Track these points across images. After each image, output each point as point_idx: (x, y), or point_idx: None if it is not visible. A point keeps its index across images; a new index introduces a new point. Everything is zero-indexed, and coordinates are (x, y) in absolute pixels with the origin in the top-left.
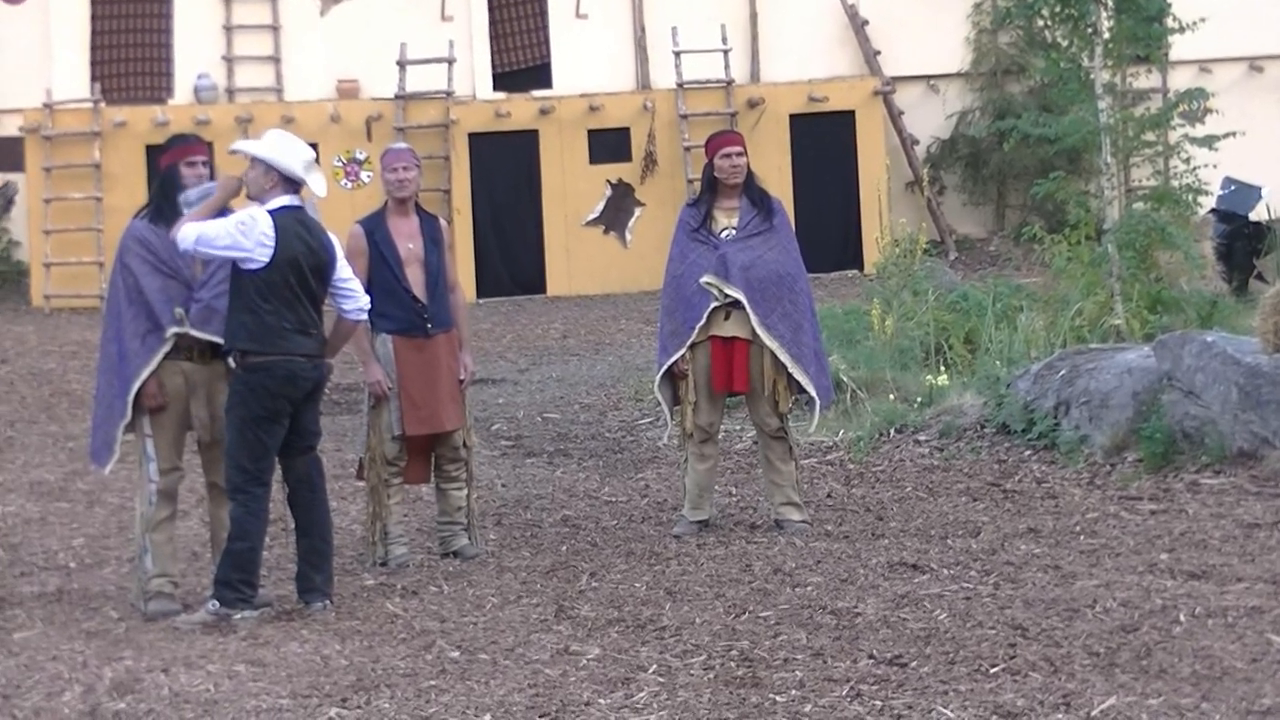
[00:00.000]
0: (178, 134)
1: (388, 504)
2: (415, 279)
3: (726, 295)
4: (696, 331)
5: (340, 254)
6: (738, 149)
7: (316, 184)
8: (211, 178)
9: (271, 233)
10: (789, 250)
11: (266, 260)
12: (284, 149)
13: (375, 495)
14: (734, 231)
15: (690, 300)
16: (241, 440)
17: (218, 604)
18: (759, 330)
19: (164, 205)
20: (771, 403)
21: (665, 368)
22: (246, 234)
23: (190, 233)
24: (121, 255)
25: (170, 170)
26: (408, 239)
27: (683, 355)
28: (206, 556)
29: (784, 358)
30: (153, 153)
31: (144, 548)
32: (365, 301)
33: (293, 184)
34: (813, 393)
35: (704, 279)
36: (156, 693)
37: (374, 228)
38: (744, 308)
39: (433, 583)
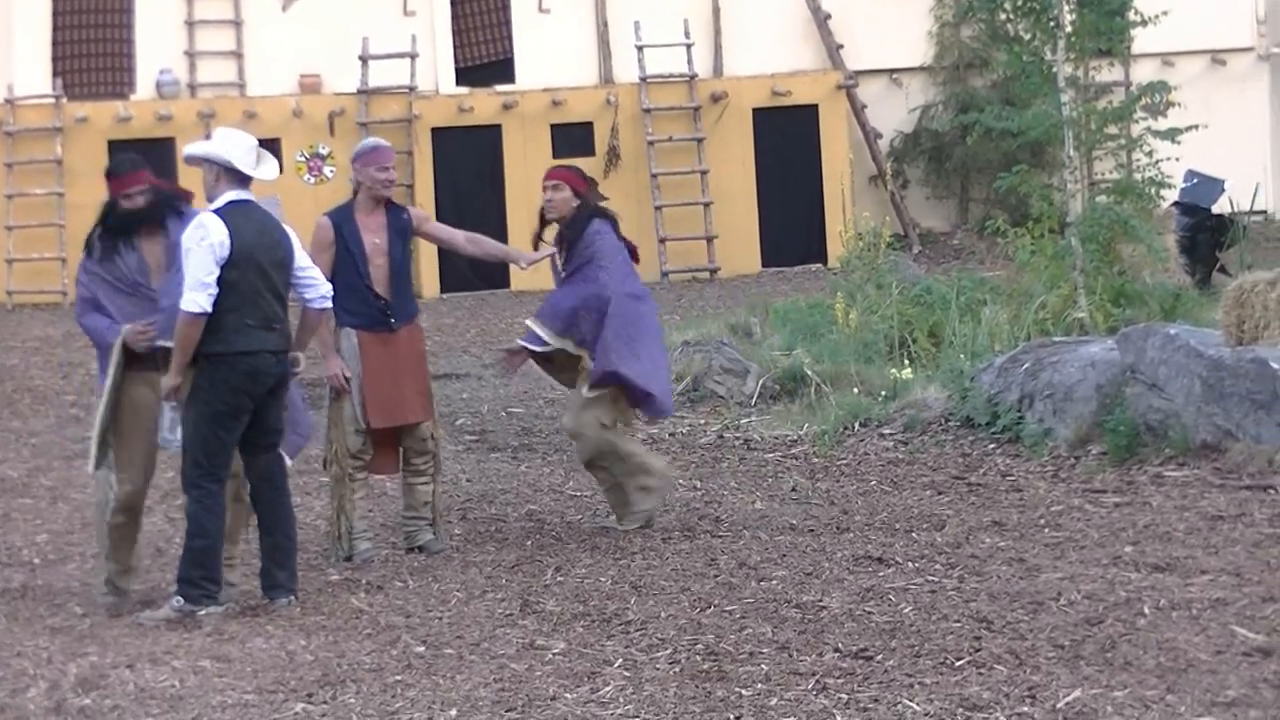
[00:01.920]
0: (118, 158)
1: (352, 499)
2: (379, 275)
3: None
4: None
5: (298, 245)
6: (553, 182)
7: (266, 171)
8: (155, 201)
9: (225, 233)
10: (596, 276)
11: (224, 259)
12: (224, 143)
13: (338, 489)
14: (565, 271)
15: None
16: (198, 435)
17: (182, 600)
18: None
19: (105, 237)
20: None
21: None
22: (213, 246)
23: (192, 296)
24: (82, 290)
25: (111, 203)
26: (374, 234)
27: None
28: (171, 552)
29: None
30: (115, 148)
31: (105, 544)
32: (328, 289)
33: (240, 178)
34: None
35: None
36: (122, 689)
37: (342, 221)
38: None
39: (398, 578)
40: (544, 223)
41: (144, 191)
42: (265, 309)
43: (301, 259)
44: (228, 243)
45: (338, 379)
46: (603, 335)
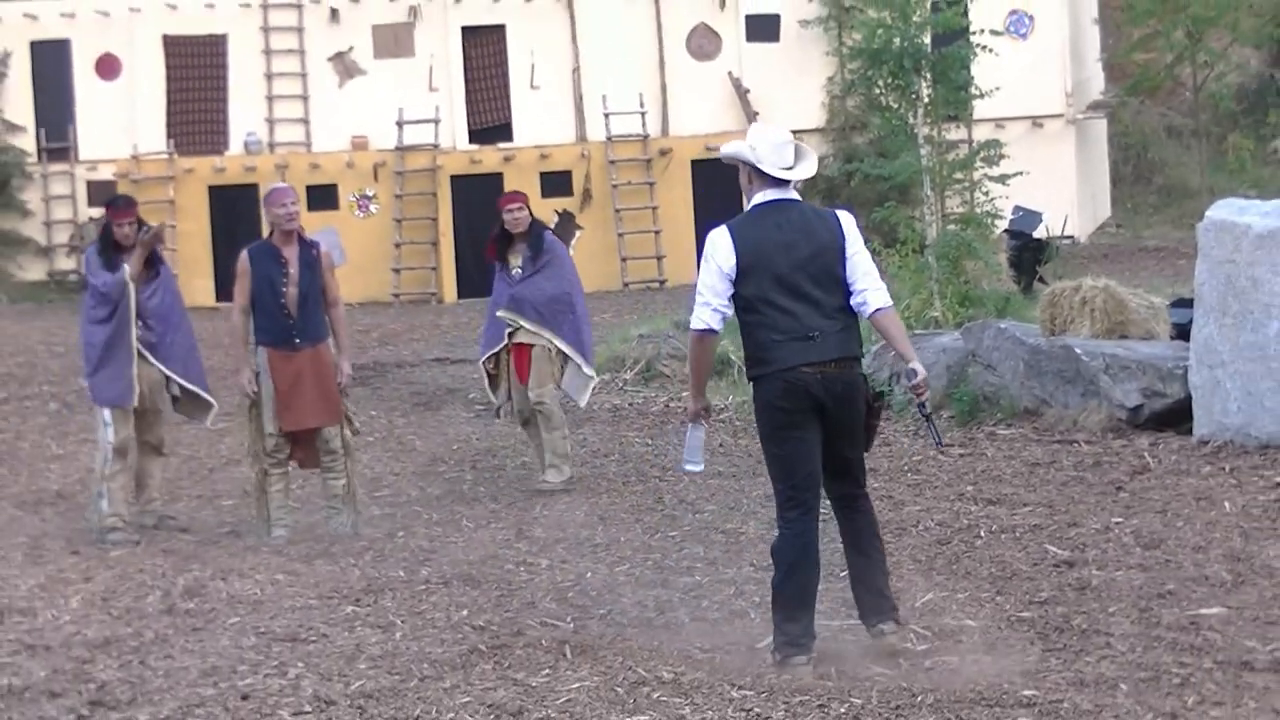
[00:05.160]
0: (116, 196)
1: (268, 491)
2: (290, 299)
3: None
4: (501, 346)
5: (852, 235)
6: (517, 204)
7: (801, 171)
8: (138, 231)
9: (729, 246)
10: (564, 275)
11: (733, 273)
12: (751, 140)
13: (257, 483)
14: (520, 271)
15: (495, 323)
16: (766, 460)
17: (778, 656)
18: (548, 338)
19: (105, 246)
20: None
21: (483, 358)
22: (719, 264)
23: (697, 313)
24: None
25: (106, 224)
26: (287, 264)
27: (492, 359)
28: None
29: (568, 350)
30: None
31: (100, 494)
32: (868, 286)
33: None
34: (580, 362)
35: (500, 314)
36: (217, 595)
37: (257, 253)
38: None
39: (424, 514)
40: (505, 236)
41: (134, 223)
42: (792, 320)
43: (854, 248)
44: (732, 257)
45: (245, 388)
46: (578, 329)
